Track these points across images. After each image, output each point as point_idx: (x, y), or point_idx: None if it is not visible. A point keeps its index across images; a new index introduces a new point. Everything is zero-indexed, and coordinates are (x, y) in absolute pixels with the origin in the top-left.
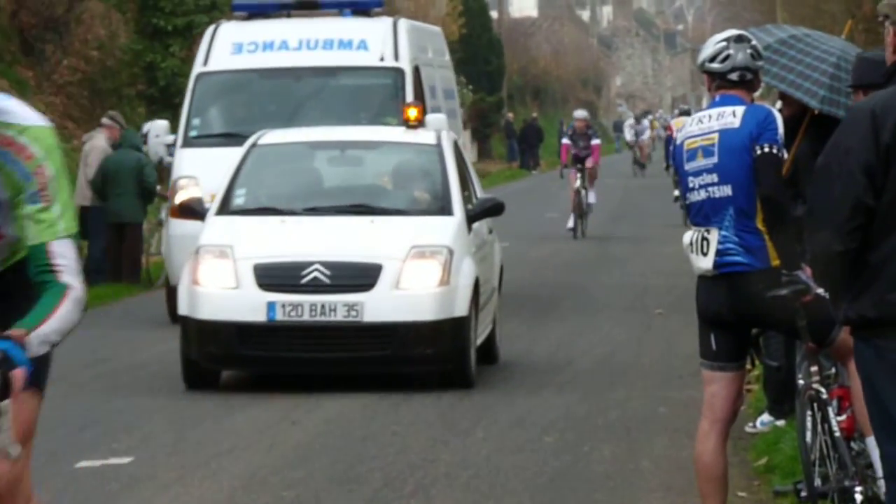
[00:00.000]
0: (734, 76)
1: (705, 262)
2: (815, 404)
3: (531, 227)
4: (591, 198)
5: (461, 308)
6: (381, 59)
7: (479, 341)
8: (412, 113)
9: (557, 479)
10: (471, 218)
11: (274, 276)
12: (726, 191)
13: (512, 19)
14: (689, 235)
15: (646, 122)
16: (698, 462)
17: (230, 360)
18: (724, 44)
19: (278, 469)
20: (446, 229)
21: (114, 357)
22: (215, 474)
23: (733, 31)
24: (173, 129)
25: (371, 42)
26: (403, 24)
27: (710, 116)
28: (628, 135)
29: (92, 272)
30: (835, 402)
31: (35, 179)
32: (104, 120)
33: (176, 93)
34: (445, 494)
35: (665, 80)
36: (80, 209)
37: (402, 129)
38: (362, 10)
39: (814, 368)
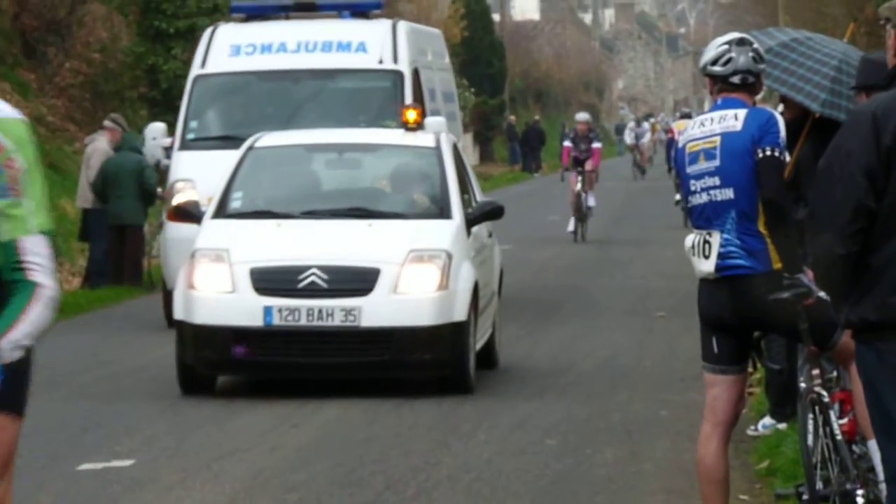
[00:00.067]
0: (736, 79)
1: (707, 266)
2: (817, 408)
3: (533, 230)
4: (591, 201)
5: (460, 313)
6: (380, 62)
7: (479, 346)
8: (411, 115)
9: (559, 482)
10: (470, 221)
11: (271, 281)
12: (728, 194)
13: (514, 22)
14: (691, 238)
15: (646, 125)
16: (700, 465)
17: (226, 365)
18: (725, 47)
19: (280, 472)
20: (445, 233)
21: (116, 360)
22: (217, 477)
23: (735, 35)
24: (174, 131)
25: (370, 44)
26: (402, 26)
27: (711, 119)
28: (629, 138)
29: (94, 275)
30: (836, 406)
31: (5, 172)
32: (106, 123)
33: (178, 95)
34: (447, 497)
35: (667, 84)
36: (81, 212)
37: (401, 131)
38: (361, 13)
39: (815, 372)
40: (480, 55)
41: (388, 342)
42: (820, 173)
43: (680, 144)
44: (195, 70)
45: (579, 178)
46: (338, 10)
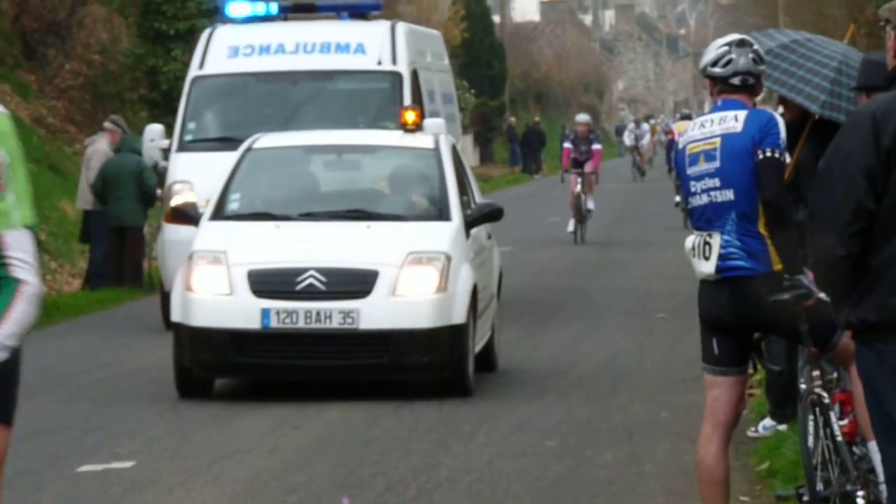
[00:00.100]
0: (736, 80)
1: (707, 267)
2: (818, 409)
3: (533, 232)
4: (591, 204)
5: (459, 315)
6: (379, 63)
7: (478, 349)
8: (410, 116)
9: (559, 484)
10: (469, 223)
11: (268, 283)
12: (728, 195)
13: (514, 23)
14: (692, 240)
15: (645, 126)
16: (700, 466)
17: (223, 367)
18: (726, 48)
19: (280, 473)
20: (444, 235)
21: (116, 362)
22: (217, 479)
23: (735, 36)
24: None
25: (368, 45)
26: (401, 27)
27: (712, 121)
28: (628, 139)
29: (94, 276)
30: (837, 407)
31: None
32: (106, 124)
33: (178, 97)
34: (448, 499)
35: (667, 85)
36: (82, 213)
37: (400, 133)
38: (360, 14)
39: (816, 373)
40: (481, 57)
41: (386, 345)
42: (820, 174)
43: (680, 146)
44: (193, 71)
45: (579, 179)
46: (336, 12)
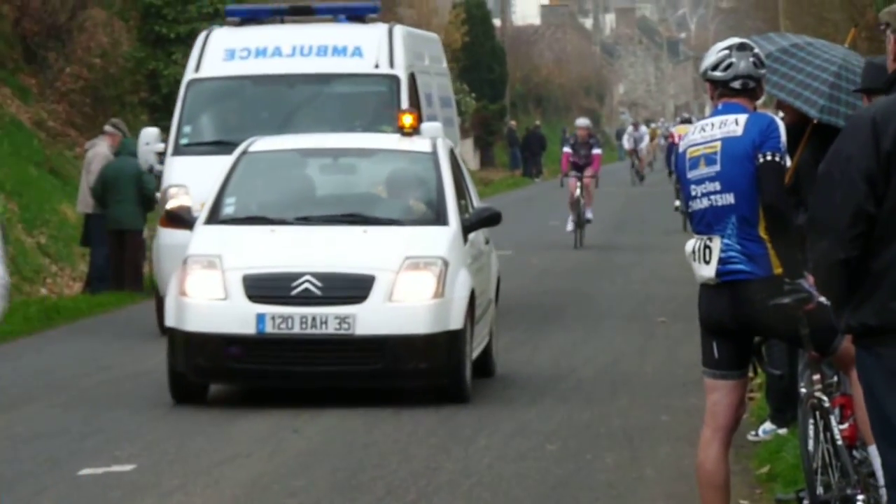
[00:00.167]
0: (737, 84)
1: (707, 271)
2: (818, 413)
3: (533, 235)
4: (589, 214)
5: (456, 321)
6: (376, 66)
7: (475, 355)
8: (407, 120)
9: (560, 488)
10: (467, 228)
11: (263, 288)
12: (729, 199)
13: (515, 27)
14: (692, 244)
15: (644, 129)
16: (700, 470)
17: (218, 373)
18: (726, 52)
19: (280, 477)
20: (441, 240)
21: (116, 365)
22: (217, 482)
23: (736, 40)
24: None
25: (366, 49)
26: (399, 30)
27: (712, 125)
28: (627, 143)
29: (95, 280)
30: (837, 411)
31: None
32: (107, 128)
33: None
34: (448, 503)
35: (668, 88)
36: (83, 217)
37: (397, 136)
38: (357, 17)
39: (816, 377)
40: (481, 60)
41: (382, 351)
42: (820, 178)
43: (681, 149)
44: (189, 74)
45: (578, 183)
46: (333, 15)
